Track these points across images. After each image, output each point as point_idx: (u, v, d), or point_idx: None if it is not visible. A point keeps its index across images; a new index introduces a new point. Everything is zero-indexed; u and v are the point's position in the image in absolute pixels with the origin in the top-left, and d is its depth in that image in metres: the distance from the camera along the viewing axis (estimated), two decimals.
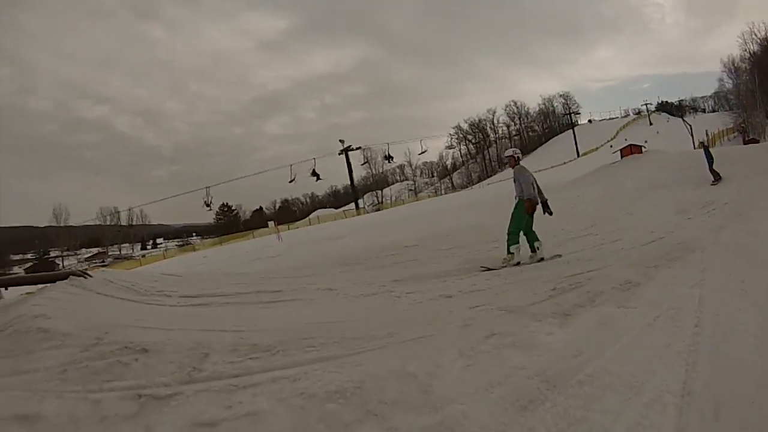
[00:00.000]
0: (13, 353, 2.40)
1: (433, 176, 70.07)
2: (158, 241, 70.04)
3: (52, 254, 61.51)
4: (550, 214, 5.36)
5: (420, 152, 43.46)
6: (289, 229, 28.31)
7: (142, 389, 2.15)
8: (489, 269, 4.67)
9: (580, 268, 3.19)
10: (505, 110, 65.64)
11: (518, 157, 5.49)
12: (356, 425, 2.06)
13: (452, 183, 64.80)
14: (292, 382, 2.15)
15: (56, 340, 2.40)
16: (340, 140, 41.02)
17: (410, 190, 63.66)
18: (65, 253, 62.41)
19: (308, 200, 72.25)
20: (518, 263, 4.89)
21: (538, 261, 4.96)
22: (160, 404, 2.09)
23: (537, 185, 5.30)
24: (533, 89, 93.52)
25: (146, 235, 70.21)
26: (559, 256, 4.91)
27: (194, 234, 67.06)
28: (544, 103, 65.46)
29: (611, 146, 41.96)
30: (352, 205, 50.62)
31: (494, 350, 2.44)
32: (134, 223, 64.01)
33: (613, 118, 63.82)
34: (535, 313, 2.64)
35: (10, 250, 61.35)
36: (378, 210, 37.76)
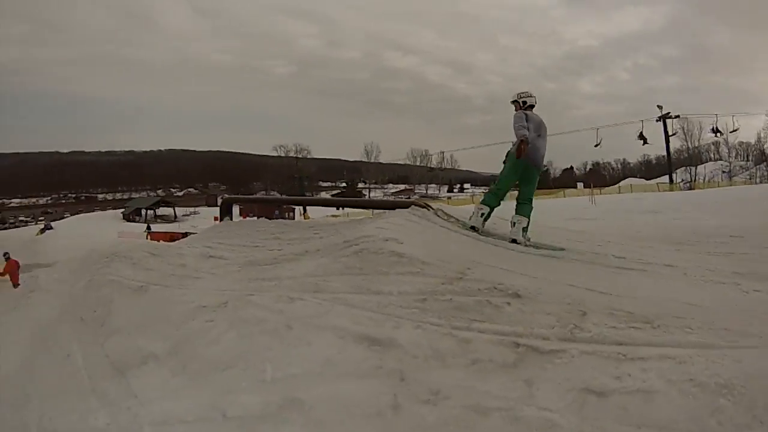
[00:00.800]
0: (360, 271, 2.30)
1: (748, 159, 59.25)
2: (465, 186, 72.40)
3: (360, 186, 67.92)
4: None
5: (731, 130, 36.05)
6: (600, 193, 26.58)
7: (518, 337, 2.01)
8: (474, 228, 3.92)
9: None
10: None
11: (524, 101, 4.16)
12: (745, 430, 1.89)
13: None
14: (678, 364, 1.96)
15: (414, 266, 2.29)
16: (658, 106, 36.75)
17: (724, 171, 54.39)
18: (372, 185, 68.01)
19: (619, 166, 69.98)
20: (473, 228, 3.89)
21: (510, 241, 3.78)
22: (541, 359, 1.95)
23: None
24: None
25: (453, 178, 73.06)
26: (562, 249, 3.70)
27: None
28: None
29: None
30: (664, 178, 43.65)
31: None
32: (444, 166, 65.79)
33: None
34: None
35: (320, 177, 69.86)
36: (690, 188, 32.30)
